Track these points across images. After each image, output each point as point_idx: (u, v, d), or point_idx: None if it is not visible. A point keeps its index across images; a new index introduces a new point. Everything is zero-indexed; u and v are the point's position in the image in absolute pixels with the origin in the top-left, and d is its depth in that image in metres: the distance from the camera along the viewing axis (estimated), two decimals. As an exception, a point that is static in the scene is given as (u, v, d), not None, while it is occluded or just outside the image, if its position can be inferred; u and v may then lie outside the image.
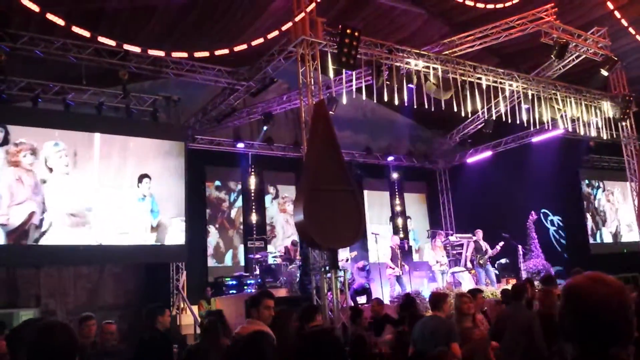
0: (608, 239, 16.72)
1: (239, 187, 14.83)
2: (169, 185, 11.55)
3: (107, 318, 10.82)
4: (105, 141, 11.01)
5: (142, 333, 6.04)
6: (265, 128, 13.39)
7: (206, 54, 7.94)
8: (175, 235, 11.47)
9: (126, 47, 8.36)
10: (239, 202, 14.73)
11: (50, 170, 10.45)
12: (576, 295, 1.60)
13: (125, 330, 10.69)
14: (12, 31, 9.10)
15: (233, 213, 14.68)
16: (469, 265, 12.94)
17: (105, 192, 10.90)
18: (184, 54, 9.27)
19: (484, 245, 12.99)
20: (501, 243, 12.94)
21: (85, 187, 10.71)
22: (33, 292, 11.79)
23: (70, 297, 12.09)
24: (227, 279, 12.19)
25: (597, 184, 17.12)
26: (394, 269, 12.29)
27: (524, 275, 13.00)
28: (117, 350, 5.88)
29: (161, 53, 9.25)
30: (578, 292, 1.60)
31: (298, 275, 11.52)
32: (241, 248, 14.29)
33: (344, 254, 12.44)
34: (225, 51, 7.93)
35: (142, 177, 11.26)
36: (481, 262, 12.76)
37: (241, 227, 14.52)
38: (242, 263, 14.04)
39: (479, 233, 13.15)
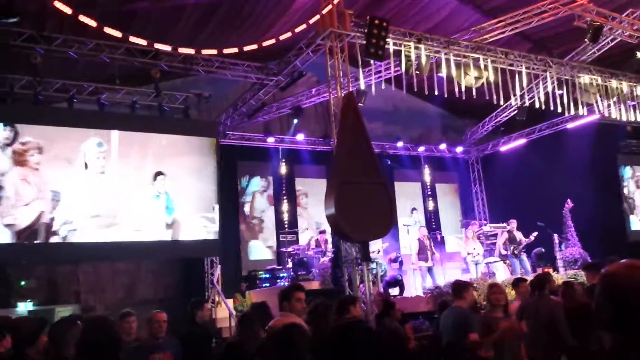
0: (637, 226, 16.24)
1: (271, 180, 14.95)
2: (199, 181, 11.68)
3: (145, 313, 11.15)
4: (134, 140, 11.17)
5: (183, 327, 6.16)
6: (295, 122, 13.43)
7: (235, 50, 7.98)
8: (197, 230, 11.58)
9: (157, 46, 8.47)
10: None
11: (86, 166, 10.66)
12: (613, 284, 1.58)
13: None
14: (46, 34, 9.32)
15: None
16: (503, 253, 12.79)
17: (133, 190, 11.05)
18: (214, 51, 9.35)
19: (518, 235, 12.82)
20: (535, 233, 12.74)
21: (116, 186, 10.89)
22: (72, 289, 12.13)
23: (109, 292, 12.39)
24: (260, 273, 12.32)
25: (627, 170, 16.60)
26: (414, 263, 12.27)
27: (560, 264, 12.79)
28: (168, 343, 5.25)
29: (191, 51, 9.35)
30: (615, 280, 1.58)
31: (330, 267, 11.56)
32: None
33: (375, 245, 12.44)
34: (254, 46, 7.95)
35: (157, 175, 11.26)
36: (515, 252, 12.60)
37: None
38: (275, 257, 14.16)
39: (513, 223, 12.97)
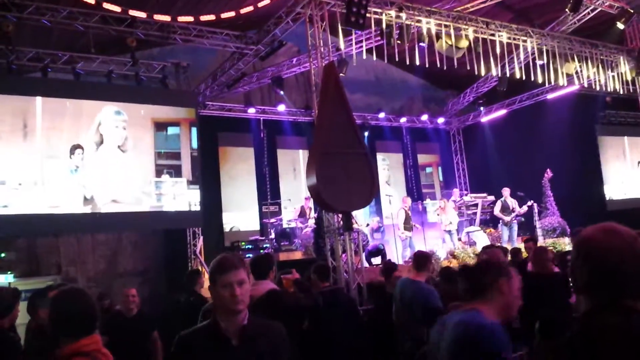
0: (623, 195, 16.54)
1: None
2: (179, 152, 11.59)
3: (127, 284, 11.17)
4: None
5: (180, 295, 6.29)
6: (282, 93, 13.27)
7: (212, 17, 7.83)
8: (178, 202, 11.53)
9: (132, 12, 8.28)
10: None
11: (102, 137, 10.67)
12: (589, 247, 1.58)
13: (147, 296, 10.95)
14: (18, 1, 9.03)
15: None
16: (506, 219, 12.80)
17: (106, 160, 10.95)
18: (190, 18, 9.17)
19: (512, 203, 12.91)
20: (530, 202, 12.85)
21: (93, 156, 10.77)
22: (53, 261, 12.04)
23: (90, 264, 12.33)
24: (242, 243, 12.32)
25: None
26: (402, 232, 12.38)
27: (539, 233, 12.99)
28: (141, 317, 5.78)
29: (167, 18, 9.16)
30: (591, 244, 1.58)
31: (313, 237, 11.61)
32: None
33: (363, 219, 12.50)
34: (232, 14, 7.81)
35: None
36: (506, 220, 12.74)
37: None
38: (258, 227, 14.16)
39: (506, 191, 13.06)
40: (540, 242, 12.02)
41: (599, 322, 1.50)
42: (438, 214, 13.47)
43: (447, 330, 2.41)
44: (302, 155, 14.99)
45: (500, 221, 12.95)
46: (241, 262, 2.42)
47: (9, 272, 11.24)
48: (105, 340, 4.71)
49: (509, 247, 9.14)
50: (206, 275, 11.75)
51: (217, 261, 2.42)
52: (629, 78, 13.34)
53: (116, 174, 10.94)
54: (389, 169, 16.82)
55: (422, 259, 5.47)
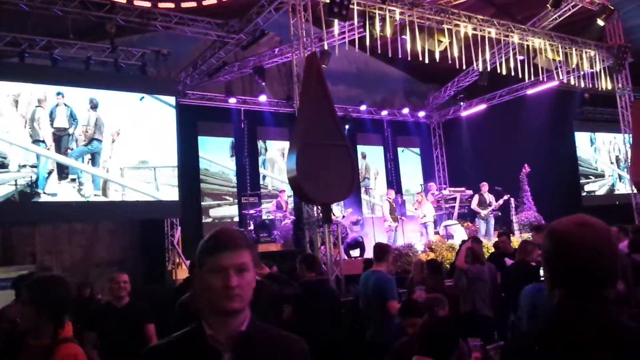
0: (598, 191, 16.83)
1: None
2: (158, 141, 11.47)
3: (103, 274, 11.04)
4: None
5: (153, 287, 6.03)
6: (263, 84, 13.17)
7: (194, 4, 7.73)
8: (156, 191, 11.46)
9: (111, -2, 8.13)
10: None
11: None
12: (566, 242, 1.58)
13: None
14: (-6, -17, 8.83)
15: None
16: (483, 214, 12.91)
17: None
18: (171, 4, 9.04)
19: (489, 198, 13.03)
20: (507, 196, 12.97)
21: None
22: (28, 250, 11.84)
23: (66, 254, 12.16)
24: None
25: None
26: (390, 224, 12.40)
27: (515, 227, 13.13)
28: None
29: (147, 4, 9.02)
30: (568, 239, 1.58)
31: (292, 229, 11.59)
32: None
33: (338, 210, 12.50)
34: (214, 1, 7.71)
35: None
36: (483, 214, 12.86)
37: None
38: (237, 219, 14.10)
39: (485, 186, 13.16)
40: (517, 236, 12.16)
41: (576, 310, 1.52)
42: (416, 208, 13.56)
43: None
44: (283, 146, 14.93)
45: (478, 215, 13.07)
46: (244, 240, 1.68)
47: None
48: (94, 336, 4.51)
49: (486, 241, 9.23)
50: (183, 267, 11.72)
51: (210, 236, 1.68)
52: (607, 74, 13.51)
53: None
54: (368, 161, 16.83)
55: (381, 251, 5.77)
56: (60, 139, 10.62)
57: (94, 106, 10.94)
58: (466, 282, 6.35)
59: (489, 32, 11.69)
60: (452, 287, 6.69)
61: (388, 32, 10.09)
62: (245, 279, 1.62)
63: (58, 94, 10.60)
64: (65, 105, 10.67)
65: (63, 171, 10.60)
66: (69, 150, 10.71)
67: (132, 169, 11.32)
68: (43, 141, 10.49)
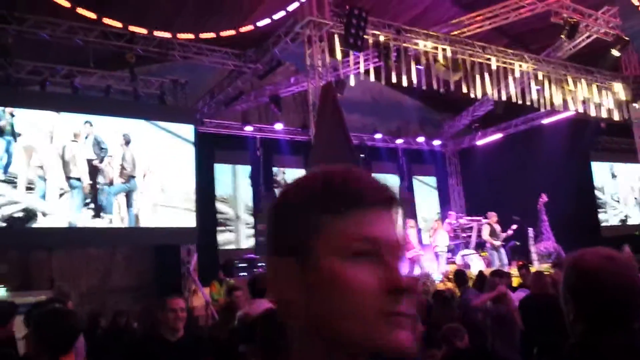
0: (616, 221, 16.60)
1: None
2: (176, 168, 11.57)
3: (120, 301, 11.03)
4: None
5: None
6: (279, 112, 13.29)
7: (212, 35, 7.90)
8: (174, 218, 11.49)
9: (132, 28, 8.34)
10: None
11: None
12: (592, 275, 1.57)
13: (138, 312, 10.80)
14: (18, 14, 9.08)
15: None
16: (496, 244, 12.76)
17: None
18: (191, 35, 9.24)
19: (497, 228, 12.90)
20: (514, 226, 12.82)
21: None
22: (46, 275, 11.91)
23: (83, 279, 12.21)
24: (237, 262, 12.25)
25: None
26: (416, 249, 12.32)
27: (534, 257, 12.94)
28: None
29: (167, 34, 9.22)
30: (593, 272, 1.57)
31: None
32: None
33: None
34: (232, 32, 7.88)
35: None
36: (497, 245, 12.69)
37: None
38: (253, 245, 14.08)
39: (493, 216, 13.01)
40: (536, 266, 11.99)
41: (604, 341, 1.51)
42: (430, 236, 13.48)
43: None
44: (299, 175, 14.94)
45: (489, 245, 12.81)
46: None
47: (1, 286, 11.12)
48: None
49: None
50: (199, 294, 11.67)
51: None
52: (623, 105, 13.46)
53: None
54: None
55: None
56: (95, 175, 10.65)
57: (127, 142, 11.02)
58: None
59: (503, 62, 11.75)
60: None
61: (403, 62, 10.19)
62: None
63: (86, 122, 10.73)
64: (95, 136, 10.78)
65: (99, 213, 10.64)
66: (105, 187, 10.74)
67: (163, 207, 11.37)
68: (78, 179, 10.50)
